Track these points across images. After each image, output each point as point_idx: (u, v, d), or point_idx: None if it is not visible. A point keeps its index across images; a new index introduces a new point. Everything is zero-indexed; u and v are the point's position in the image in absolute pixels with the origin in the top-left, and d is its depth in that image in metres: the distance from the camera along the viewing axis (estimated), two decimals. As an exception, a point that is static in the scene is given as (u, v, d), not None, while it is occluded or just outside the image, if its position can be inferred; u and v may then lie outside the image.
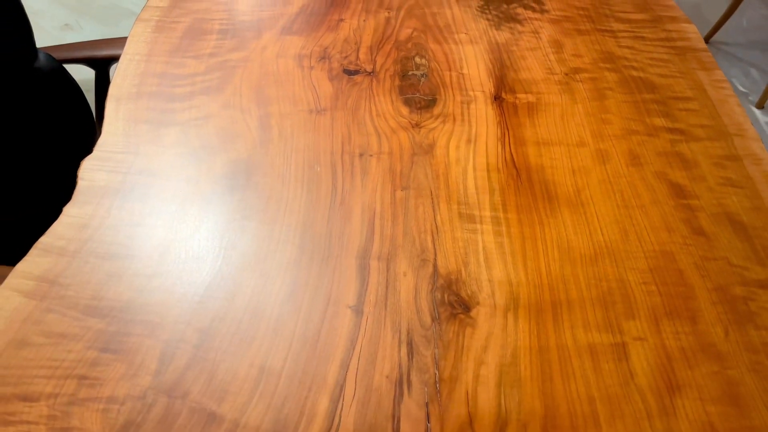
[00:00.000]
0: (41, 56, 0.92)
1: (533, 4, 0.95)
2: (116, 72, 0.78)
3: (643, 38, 0.89)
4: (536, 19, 0.92)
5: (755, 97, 1.99)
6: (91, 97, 1.01)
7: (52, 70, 0.93)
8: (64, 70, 0.95)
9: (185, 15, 0.88)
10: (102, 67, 1.00)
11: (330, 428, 0.50)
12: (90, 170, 0.67)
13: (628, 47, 0.88)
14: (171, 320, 0.55)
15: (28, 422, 0.48)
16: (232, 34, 0.86)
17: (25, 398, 0.50)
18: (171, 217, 0.63)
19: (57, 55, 0.94)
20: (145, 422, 0.49)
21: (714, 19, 2.12)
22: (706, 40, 2.14)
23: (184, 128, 0.72)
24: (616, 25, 0.92)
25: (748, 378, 0.54)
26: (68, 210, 0.63)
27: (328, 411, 0.50)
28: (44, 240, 0.60)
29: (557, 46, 0.88)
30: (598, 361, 0.55)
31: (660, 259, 0.63)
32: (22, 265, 0.58)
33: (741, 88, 2.02)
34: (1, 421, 0.48)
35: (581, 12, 0.94)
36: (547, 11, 0.94)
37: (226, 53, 0.83)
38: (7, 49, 0.87)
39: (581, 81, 0.82)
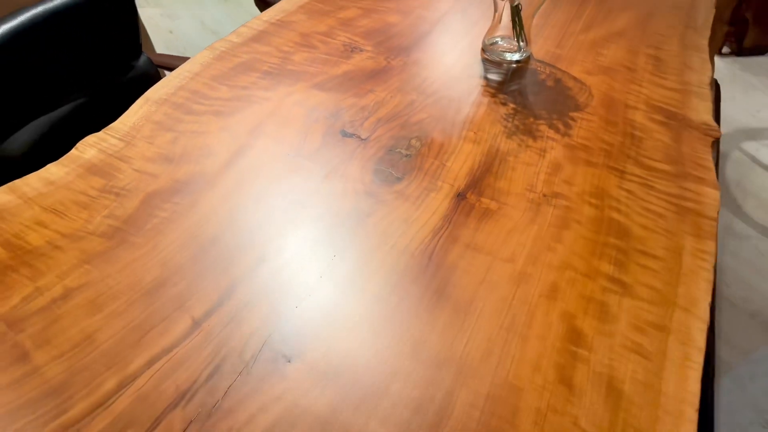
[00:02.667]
0: (142, 57, 1.13)
1: (560, 126, 0.95)
2: (162, 80, 0.94)
3: (650, 188, 0.85)
4: (553, 139, 0.92)
5: None
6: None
7: (146, 72, 1.13)
8: (158, 74, 1.15)
9: (248, 53, 1.03)
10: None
11: None
12: (87, 144, 0.81)
13: (626, 191, 0.84)
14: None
15: None
16: (272, 77, 0.98)
17: None
18: (116, 199, 0.75)
19: (157, 60, 1.14)
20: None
21: None
22: None
23: (177, 136, 0.85)
24: (631, 168, 0.88)
25: None
26: (49, 167, 0.77)
27: None
28: (11, 184, 0.75)
29: (555, 168, 0.87)
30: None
31: (505, 390, 0.60)
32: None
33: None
34: None
35: (604, 146, 0.92)
36: (569, 136, 0.93)
37: (256, 90, 0.95)
38: (117, 44, 1.09)
39: (555, 206, 0.81)
